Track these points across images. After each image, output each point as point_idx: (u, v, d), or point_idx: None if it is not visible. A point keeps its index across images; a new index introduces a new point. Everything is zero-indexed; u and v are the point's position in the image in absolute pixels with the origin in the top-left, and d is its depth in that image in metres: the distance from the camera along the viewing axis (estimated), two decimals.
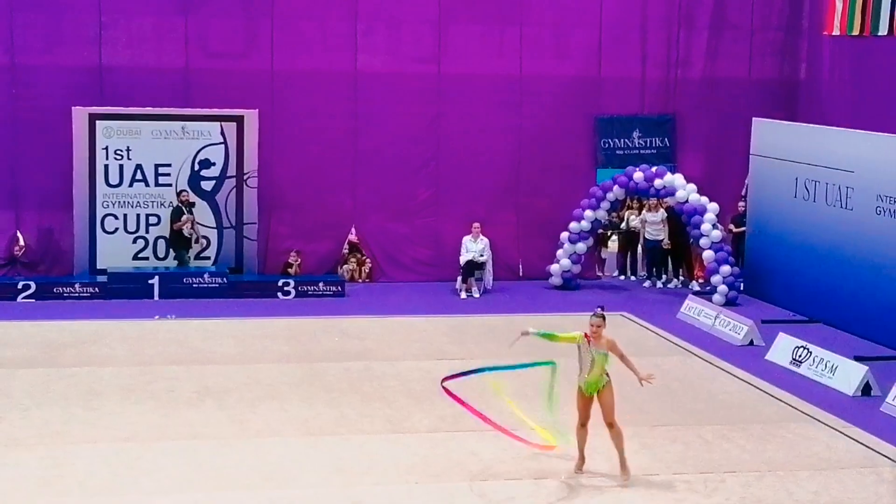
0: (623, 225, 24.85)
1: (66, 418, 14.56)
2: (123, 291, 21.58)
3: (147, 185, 22.54)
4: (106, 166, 22.43)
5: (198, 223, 22.47)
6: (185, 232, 22.26)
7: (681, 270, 24.28)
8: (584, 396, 12.64)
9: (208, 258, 22.69)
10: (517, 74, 23.90)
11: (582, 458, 12.86)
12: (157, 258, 22.61)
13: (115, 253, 22.41)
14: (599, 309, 12.78)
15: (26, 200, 22.55)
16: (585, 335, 12.55)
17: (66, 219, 22.41)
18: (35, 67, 22.32)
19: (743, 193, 24.08)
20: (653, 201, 23.60)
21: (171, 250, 22.47)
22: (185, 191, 22.42)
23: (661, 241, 23.76)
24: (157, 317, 20.25)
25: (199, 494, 12.15)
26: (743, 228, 23.64)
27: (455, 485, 12.54)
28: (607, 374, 12.61)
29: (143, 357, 17.60)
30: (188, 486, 12.38)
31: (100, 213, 22.43)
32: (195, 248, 22.51)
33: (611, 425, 12.56)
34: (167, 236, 22.44)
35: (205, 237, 22.59)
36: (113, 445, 13.58)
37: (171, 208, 22.35)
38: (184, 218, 22.23)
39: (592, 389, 12.56)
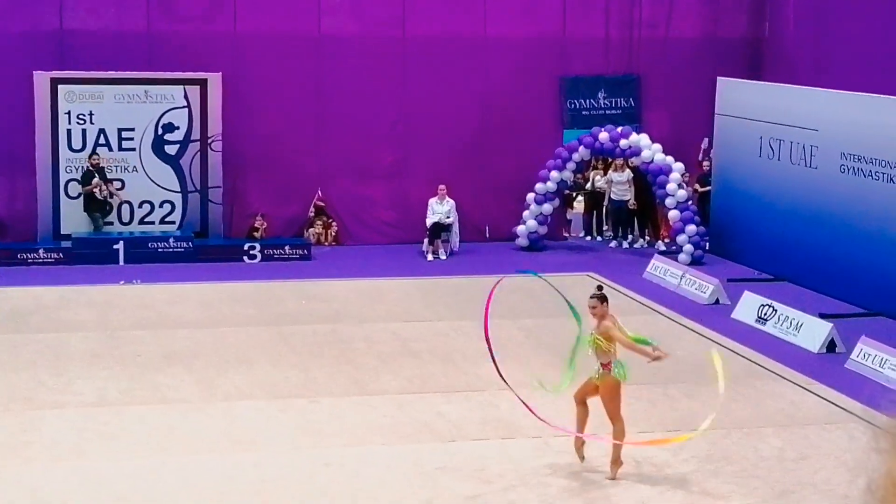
0: (588, 185, 24.88)
1: (34, 384, 14.51)
2: (88, 257, 21.48)
3: (110, 149, 22.38)
4: (68, 131, 22.25)
5: (112, 186, 22.18)
6: (99, 195, 22.07)
7: (647, 230, 24.36)
8: (590, 380, 11.85)
9: (110, 223, 22.45)
10: (482, 35, 23.84)
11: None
12: (122, 223, 22.51)
13: (78, 218, 22.28)
14: (596, 289, 12.00)
15: None
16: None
17: (29, 184, 22.25)
18: None
19: (700, 158, 24.08)
20: (619, 161, 23.64)
21: (86, 214, 22.20)
22: (95, 154, 22.14)
23: (627, 201, 23.82)
24: (122, 282, 20.18)
25: (168, 458, 12.14)
26: (708, 188, 23.73)
27: (423, 446, 12.59)
28: (603, 366, 11.64)
29: (109, 322, 17.54)
30: (157, 450, 12.38)
31: (63, 178, 22.26)
32: (113, 206, 22.32)
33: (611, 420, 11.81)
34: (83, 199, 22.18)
35: (110, 202, 22.28)
36: (81, 410, 13.55)
37: (82, 172, 22.14)
38: (94, 182, 22.00)
39: (595, 376, 11.77)
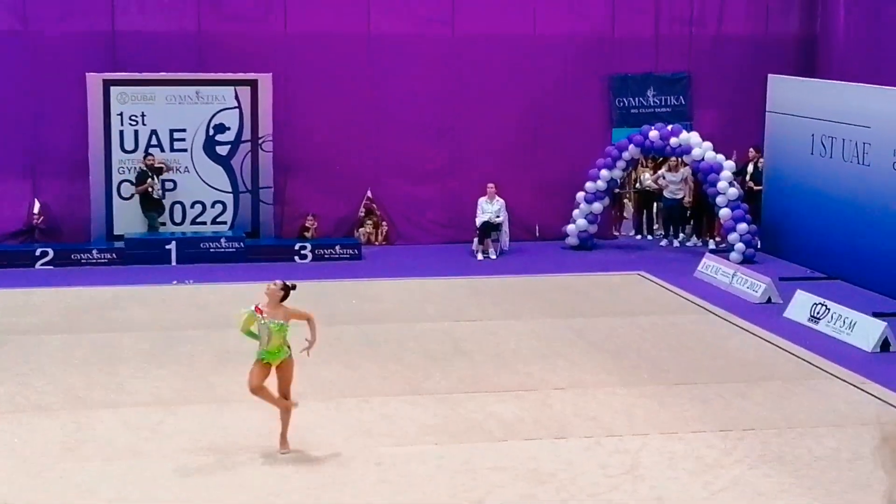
0: (638, 184, 24.80)
1: (88, 383, 14.64)
2: (141, 257, 21.66)
3: (162, 150, 22.57)
4: (121, 132, 22.45)
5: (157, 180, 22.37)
6: (154, 194, 22.25)
7: (702, 229, 24.18)
8: (260, 364, 12.30)
9: (163, 223, 22.59)
10: (531, 34, 23.84)
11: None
12: (174, 223, 22.67)
13: (132, 219, 22.45)
14: (279, 280, 12.56)
15: (43, 168, 22.60)
16: (257, 308, 12.26)
17: (82, 186, 22.46)
18: (48, 34, 22.31)
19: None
20: (673, 160, 23.56)
21: (143, 214, 22.39)
22: (150, 155, 22.34)
23: (681, 199, 23.73)
24: (174, 282, 20.32)
25: (222, 458, 12.21)
26: (760, 186, 23.56)
27: (475, 445, 12.58)
28: (288, 347, 12.30)
29: (162, 322, 17.66)
30: (210, 449, 12.45)
31: (115, 179, 22.46)
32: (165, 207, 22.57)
33: (285, 396, 12.42)
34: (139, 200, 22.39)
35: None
36: (135, 410, 13.65)
37: (137, 172, 22.33)
38: (148, 181, 22.20)
39: (271, 358, 12.26)
